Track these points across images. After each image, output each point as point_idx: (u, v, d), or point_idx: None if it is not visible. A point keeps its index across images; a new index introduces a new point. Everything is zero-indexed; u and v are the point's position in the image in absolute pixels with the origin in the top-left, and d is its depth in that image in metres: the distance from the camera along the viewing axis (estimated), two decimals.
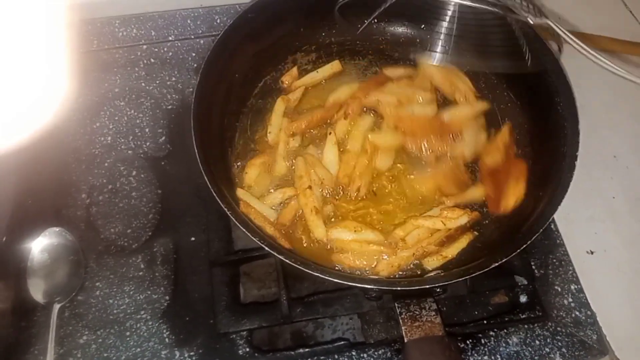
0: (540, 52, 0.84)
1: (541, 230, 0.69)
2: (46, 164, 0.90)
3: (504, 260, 0.67)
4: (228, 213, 0.70)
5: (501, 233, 0.82)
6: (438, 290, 0.74)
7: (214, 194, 0.71)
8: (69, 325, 0.79)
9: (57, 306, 0.78)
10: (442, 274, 0.70)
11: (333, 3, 0.93)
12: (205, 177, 0.72)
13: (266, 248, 0.68)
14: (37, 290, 0.79)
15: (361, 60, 1.02)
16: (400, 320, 0.69)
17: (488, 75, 0.97)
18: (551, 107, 0.83)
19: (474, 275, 0.66)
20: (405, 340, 0.67)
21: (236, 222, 0.70)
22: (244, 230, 0.69)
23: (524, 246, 0.68)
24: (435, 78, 0.96)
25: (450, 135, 0.90)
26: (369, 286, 0.68)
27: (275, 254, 0.68)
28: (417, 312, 0.69)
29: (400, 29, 1.03)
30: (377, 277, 0.75)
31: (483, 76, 0.97)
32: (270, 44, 0.96)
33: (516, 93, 0.94)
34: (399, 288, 0.67)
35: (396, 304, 0.70)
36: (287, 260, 0.67)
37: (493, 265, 0.67)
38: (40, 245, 0.82)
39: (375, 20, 1.00)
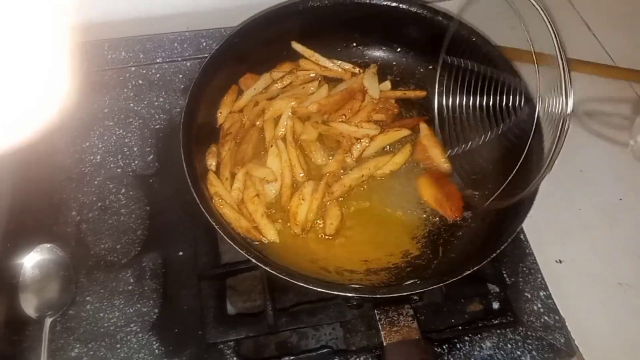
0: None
1: (509, 240, 0.74)
2: (37, 182, 0.93)
3: (475, 269, 0.72)
4: (217, 227, 0.74)
5: (473, 244, 0.87)
6: (415, 297, 0.78)
7: (203, 210, 0.75)
8: (60, 339, 0.81)
9: (48, 320, 0.80)
10: (418, 282, 0.74)
11: (314, 29, 0.99)
12: (195, 194, 0.76)
13: (253, 260, 0.72)
14: (29, 305, 0.81)
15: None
16: (380, 326, 0.73)
17: None
18: (518, 127, 0.88)
19: (447, 282, 0.71)
20: (385, 344, 0.72)
21: (225, 237, 0.74)
22: (232, 243, 0.73)
23: (493, 255, 0.73)
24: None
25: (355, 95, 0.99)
26: (350, 294, 0.72)
27: (261, 265, 0.72)
28: (395, 318, 0.74)
29: (377, 53, 1.08)
30: (358, 286, 0.79)
31: None
32: (255, 66, 1.01)
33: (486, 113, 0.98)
34: (378, 296, 0.71)
35: (376, 311, 0.74)
36: (272, 271, 0.71)
37: (465, 273, 0.71)
38: (32, 261, 0.84)
39: (354, 44, 1.06)
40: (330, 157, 0.94)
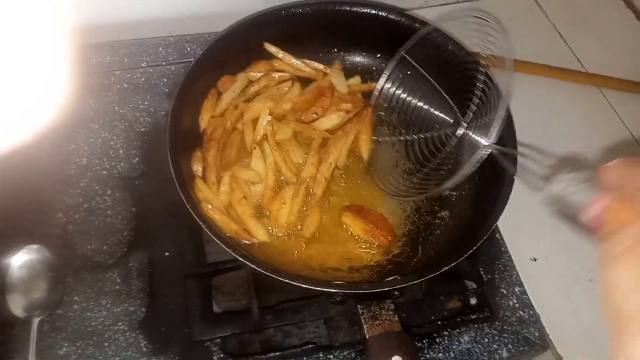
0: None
1: (484, 237, 0.78)
2: (23, 184, 0.93)
3: (452, 265, 0.75)
4: (204, 227, 0.76)
5: (451, 242, 0.90)
6: (396, 293, 0.81)
7: (193, 214, 0.77)
8: (48, 338, 0.81)
9: (36, 320, 0.81)
10: (399, 278, 0.77)
11: (296, 34, 1.02)
12: (184, 198, 0.78)
13: (240, 259, 0.74)
14: (16, 306, 0.82)
15: None
16: (362, 320, 0.76)
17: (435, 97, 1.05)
18: None
19: (426, 278, 0.74)
20: (367, 337, 0.74)
21: (212, 236, 0.76)
22: (219, 242, 0.75)
23: (470, 252, 0.76)
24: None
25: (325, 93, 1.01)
26: (334, 290, 0.74)
27: (249, 263, 0.74)
28: (377, 312, 0.77)
29: (358, 58, 1.11)
30: (340, 282, 0.82)
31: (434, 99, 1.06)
32: (236, 70, 1.03)
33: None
34: (361, 291, 0.74)
35: (359, 306, 0.77)
36: (259, 270, 0.73)
37: (443, 269, 0.74)
38: (19, 262, 0.84)
39: (335, 50, 1.10)
40: (305, 154, 0.96)
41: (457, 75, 0.95)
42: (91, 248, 0.90)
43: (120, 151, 1.01)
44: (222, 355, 0.82)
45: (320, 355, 0.83)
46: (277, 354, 0.83)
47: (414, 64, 0.98)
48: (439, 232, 0.94)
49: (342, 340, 0.85)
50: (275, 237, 0.90)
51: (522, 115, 1.14)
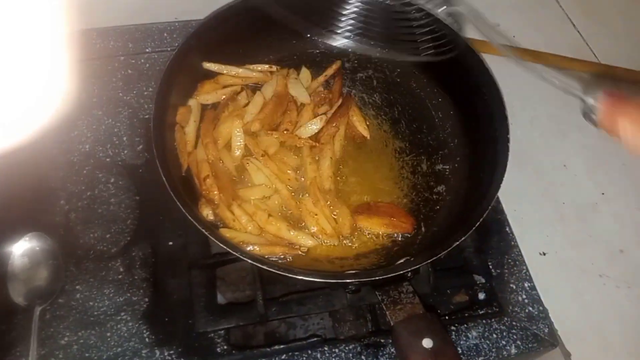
0: (453, 40, 0.89)
1: (489, 207, 0.77)
2: (25, 171, 0.91)
3: (462, 239, 0.75)
4: (207, 234, 0.74)
5: (453, 215, 0.90)
6: (409, 274, 0.80)
7: (190, 218, 0.75)
8: (50, 327, 0.80)
9: (38, 309, 0.80)
10: (412, 259, 0.76)
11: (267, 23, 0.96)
12: (178, 202, 0.76)
13: (249, 260, 0.72)
14: (17, 294, 0.81)
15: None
16: (384, 306, 0.75)
17: (414, 73, 1.06)
18: (477, 96, 0.93)
19: (440, 255, 0.73)
20: (392, 324, 0.73)
21: (217, 242, 0.74)
22: (225, 247, 0.73)
23: (477, 224, 0.76)
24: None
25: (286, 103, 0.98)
26: (349, 280, 0.74)
27: (258, 264, 0.72)
28: (397, 297, 0.75)
29: (332, 42, 1.04)
30: (354, 271, 0.80)
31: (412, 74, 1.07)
32: (222, 58, 0.99)
33: (443, 88, 1.04)
34: (377, 277, 0.72)
35: (377, 292, 0.76)
36: (270, 269, 0.71)
37: (455, 244, 0.74)
38: (20, 250, 0.83)
39: (308, 35, 1.03)
40: (296, 156, 0.94)
41: None
42: (94, 236, 0.89)
43: (124, 138, 0.99)
44: (225, 347, 0.81)
45: (326, 348, 0.81)
46: (282, 346, 0.82)
47: None
48: (438, 207, 0.94)
49: (347, 333, 0.84)
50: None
51: (534, 105, 1.14)
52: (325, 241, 0.87)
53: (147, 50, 1.08)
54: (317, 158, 0.93)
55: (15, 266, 0.82)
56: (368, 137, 0.99)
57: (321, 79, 1.04)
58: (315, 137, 0.95)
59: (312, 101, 1.00)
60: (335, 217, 0.89)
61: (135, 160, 0.97)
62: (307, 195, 0.90)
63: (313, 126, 0.95)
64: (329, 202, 0.89)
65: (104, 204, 0.92)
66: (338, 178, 0.95)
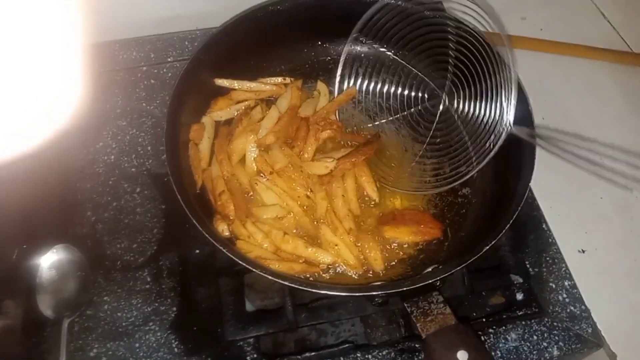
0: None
1: (519, 208, 0.74)
2: (52, 183, 0.92)
3: (492, 243, 0.71)
4: (224, 250, 0.73)
5: (480, 219, 0.87)
6: (438, 284, 0.76)
7: (206, 235, 0.74)
8: (79, 339, 0.80)
9: (66, 321, 0.80)
10: (440, 267, 0.73)
11: (280, 34, 1.00)
12: (194, 220, 0.75)
13: (269, 277, 0.71)
14: (46, 306, 0.81)
15: (314, 82, 1.04)
16: (414, 319, 0.71)
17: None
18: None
19: (469, 261, 0.70)
20: (423, 337, 0.70)
21: (234, 258, 0.73)
22: (244, 263, 0.72)
23: (507, 226, 0.73)
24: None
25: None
26: (376, 293, 0.71)
27: (280, 280, 0.71)
28: (427, 308, 0.72)
29: (342, 47, 1.02)
30: (380, 283, 0.78)
31: None
32: (233, 71, 0.99)
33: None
34: (405, 288, 0.69)
35: (405, 304, 0.73)
36: (295, 286, 0.70)
37: (485, 249, 0.71)
38: (48, 262, 0.83)
39: (319, 43, 1.06)
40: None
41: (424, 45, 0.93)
42: (121, 247, 0.89)
43: (149, 148, 0.99)
44: (255, 356, 0.79)
45: (358, 354, 0.79)
46: (313, 353, 0.80)
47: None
48: (464, 211, 0.91)
49: (380, 339, 0.81)
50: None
51: (566, 100, 1.10)
52: (351, 272, 0.84)
53: (169, 59, 1.09)
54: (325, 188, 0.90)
55: (43, 279, 0.82)
56: (377, 200, 0.92)
57: (334, 106, 1.00)
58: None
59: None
60: (359, 246, 0.85)
61: (160, 169, 0.97)
62: (323, 226, 0.86)
63: (321, 168, 0.90)
64: (350, 229, 0.86)
65: (130, 214, 0.92)
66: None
